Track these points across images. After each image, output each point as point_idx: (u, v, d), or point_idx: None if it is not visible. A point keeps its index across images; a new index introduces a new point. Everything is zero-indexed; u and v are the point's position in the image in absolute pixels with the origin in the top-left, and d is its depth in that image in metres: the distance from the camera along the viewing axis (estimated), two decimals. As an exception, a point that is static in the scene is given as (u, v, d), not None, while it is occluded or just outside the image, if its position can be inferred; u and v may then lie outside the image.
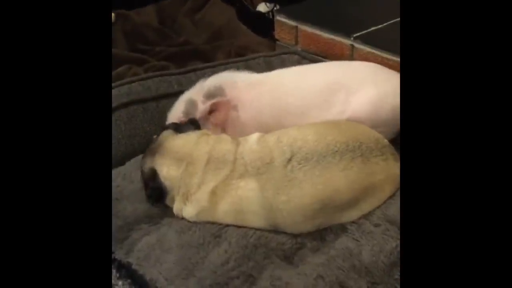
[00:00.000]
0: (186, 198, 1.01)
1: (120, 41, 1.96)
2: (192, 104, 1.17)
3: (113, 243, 1.07)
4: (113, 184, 1.14)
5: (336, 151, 0.97)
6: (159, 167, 1.02)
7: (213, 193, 0.99)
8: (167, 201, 1.05)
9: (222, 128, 1.17)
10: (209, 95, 1.17)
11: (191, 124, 1.10)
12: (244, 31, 1.93)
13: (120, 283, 1.09)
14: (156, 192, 1.03)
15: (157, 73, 1.47)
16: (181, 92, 1.38)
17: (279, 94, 1.19)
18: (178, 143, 1.04)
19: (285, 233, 0.99)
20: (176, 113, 1.19)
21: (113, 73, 1.68)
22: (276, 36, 1.68)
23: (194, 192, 1.00)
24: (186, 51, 1.89)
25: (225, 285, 0.90)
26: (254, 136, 1.05)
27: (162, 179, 1.02)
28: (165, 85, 1.41)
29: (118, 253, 1.04)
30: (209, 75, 1.33)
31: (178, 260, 0.96)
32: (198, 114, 1.15)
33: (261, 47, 1.78)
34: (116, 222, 1.07)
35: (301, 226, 0.98)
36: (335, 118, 1.16)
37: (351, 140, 0.99)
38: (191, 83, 1.42)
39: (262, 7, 2.02)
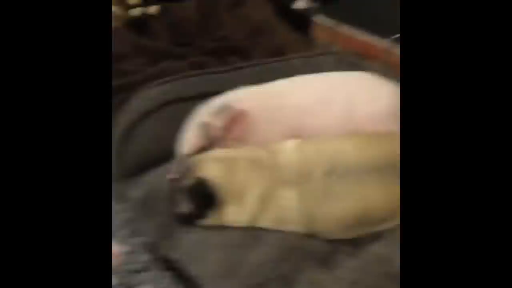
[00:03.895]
0: (235, 201, 1.00)
1: (163, 34, 1.97)
2: (206, 126, 1.15)
3: (158, 238, 1.10)
4: (158, 182, 1.16)
5: (376, 166, 0.97)
6: (205, 173, 1.01)
7: (261, 199, 0.99)
8: (217, 208, 1.02)
9: (243, 141, 1.16)
10: (220, 113, 1.15)
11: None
12: (283, 28, 1.91)
13: (164, 277, 1.13)
14: (208, 199, 1.00)
15: (198, 71, 1.48)
16: (221, 92, 1.40)
17: (285, 98, 1.18)
18: (212, 152, 1.06)
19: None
20: (192, 139, 1.16)
21: (157, 68, 1.69)
22: (313, 35, 1.66)
23: (242, 196, 1.00)
24: (225, 47, 1.88)
25: (263, 286, 0.92)
26: (291, 144, 1.05)
27: (211, 181, 1.00)
28: (208, 83, 1.42)
29: (163, 248, 1.06)
30: (248, 74, 1.34)
31: (220, 259, 0.98)
32: (216, 133, 1.13)
33: (299, 45, 1.77)
34: (161, 220, 1.10)
35: (338, 235, 0.99)
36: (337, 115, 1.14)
37: (390, 155, 0.98)
38: (231, 83, 1.43)
39: (300, 4, 2.00)
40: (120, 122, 1.34)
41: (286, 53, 1.77)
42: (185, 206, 1.02)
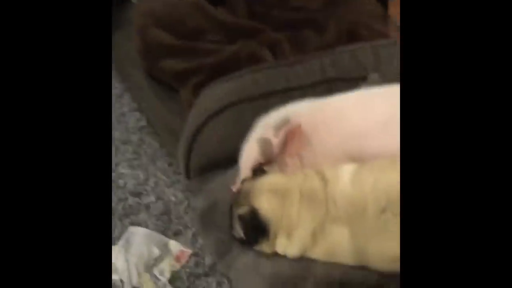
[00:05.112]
0: (286, 235, 1.00)
1: (240, 4, 1.91)
2: (265, 142, 1.12)
3: (215, 256, 1.15)
4: (220, 195, 1.18)
5: None
6: (258, 204, 1.00)
7: (313, 235, 0.98)
8: (268, 240, 1.01)
9: (299, 157, 1.13)
10: (279, 128, 1.11)
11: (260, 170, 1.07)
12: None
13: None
14: (259, 231, 1.00)
15: (266, 65, 1.44)
16: (288, 89, 1.36)
17: (343, 117, 1.11)
18: (268, 179, 1.03)
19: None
20: (252, 155, 1.14)
21: (230, 50, 1.66)
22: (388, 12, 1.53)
23: (295, 228, 0.99)
24: (299, 19, 1.80)
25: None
26: (346, 173, 1.00)
27: (264, 213, 0.99)
28: (273, 80, 1.37)
29: (220, 266, 1.11)
30: (312, 70, 1.28)
31: (269, 289, 1.00)
32: (274, 150, 1.11)
33: (374, 21, 1.64)
34: (219, 236, 1.13)
35: (390, 269, 0.97)
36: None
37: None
38: (297, 78, 1.38)
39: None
40: (189, 123, 1.35)
41: (359, 30, 1.66)
42: (238, 231, 1.04)
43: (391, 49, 1.40)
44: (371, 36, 1.59)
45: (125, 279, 1.17)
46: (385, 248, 0.94)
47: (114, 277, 1.17)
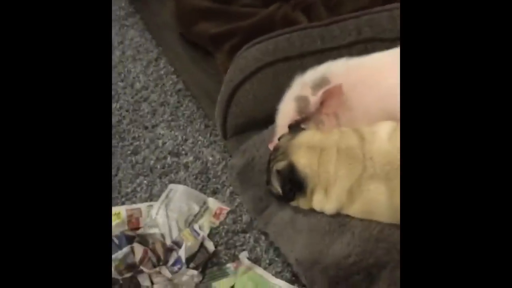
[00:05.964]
0: (323, 192, 1.00)
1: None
2: (303, 100, 1.11)
3: (253, 212, 1.17)
4: (257, 153, 1.20)
5: None
6: (296, 159, 1.01)
7: (350, 192, 0.98)
8: (305, 195, 1.02)
9: (335, 116, 1.12)
10: (317, 87, 1.11)
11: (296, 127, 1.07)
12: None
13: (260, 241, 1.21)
14: (296, 186, 1.01)
15: (301, 26, 1.42)
16: (324, 50, 1.35)
17: (381, 76, 1.09)
18: (306, 135, 1.04)
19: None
20: (289, 113, 1.14)
21: (264, 13, 1.65)
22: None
23: (332, 185, 0.99)
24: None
25: (345, 280, 0.95)
26: (384, 130, 1.00)
27: (302, 168, 1.00)
28: (309, 40, 1.36)
29: (259, 223, 1.13)
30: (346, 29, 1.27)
31: (306, 244, 1.01)
32: (312, 108, 1.10)
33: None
34: (257, 193, 1.15)
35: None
36: None
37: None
38: (333, 39, 1.37)
39: None
40: (225, 84, 1.36)
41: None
42: (275, 186, 1.05)
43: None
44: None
45: (166, 233, 1.20)
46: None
47: (155, 230, 1.21)
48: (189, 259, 1.16)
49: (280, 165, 1.03)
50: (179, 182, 1.36)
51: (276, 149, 1.08)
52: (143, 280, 1.13)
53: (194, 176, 1.37)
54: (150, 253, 1.16)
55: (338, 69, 1.14)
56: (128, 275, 1.13)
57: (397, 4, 1.41)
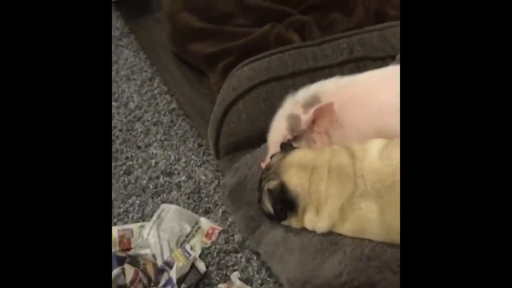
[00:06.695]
0: (315, 211, 0.99)
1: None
2: (294, 118, 1.11)
3: (245, 231, 1.16)
4: (249, 172, 1.19)
5: None
6: (287, 178, 1.00)
7: (341, 210, 0.97)
8: (296, 215, 1.01)
9: (327, 135, 1.12)
10: (308, 105, 1.10)
11: (288, 145, 1.07)
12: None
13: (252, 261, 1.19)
14: (287, 205, 1.00)
15: (294, 45, 1.42)
16: (316, 68, 1.35)
17: (372, 94, 1.09)
18: (297, 154, 1.03)
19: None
20: (280, 131, 1.13)
21: (258, 33, 1.66)
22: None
23: (324, 204, 0.98)
24: (326, 2, 1.78)
25: (337, 299, 0.94)
26: (375, 148, 0.99)
27: (293, 187, 0.99)
28: (301, 59, 1.36)
29: (251, 242, 1.11)
30: (338, 48, 1.27)
31: (298, 263, 1.00)
32: (303, 126, 1.09)
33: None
34: (248, 212, 1.14)
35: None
36: None
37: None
38: (325, 58, 1.37)
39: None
40: (218, 103, 1.36)
41: (386, 10, 1.64)
42: (267, 206, 1.04)
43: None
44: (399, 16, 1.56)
45: (157, 254, 1.19)
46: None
47: (147, 251, 1.19)
48: (180, 280, 1.14)
49: (272, 184, 1.02)
50: (171, 202, 1.35)
51: (267, 168, 1.07)
52: (134, 302, 1.12)
53: (187, 196, 1.36)
54: (141, 274, 1.15)
55: (329, 87, 1.14)
56: (118, 296, 1.12)
57: (388, 24, 1.43)
